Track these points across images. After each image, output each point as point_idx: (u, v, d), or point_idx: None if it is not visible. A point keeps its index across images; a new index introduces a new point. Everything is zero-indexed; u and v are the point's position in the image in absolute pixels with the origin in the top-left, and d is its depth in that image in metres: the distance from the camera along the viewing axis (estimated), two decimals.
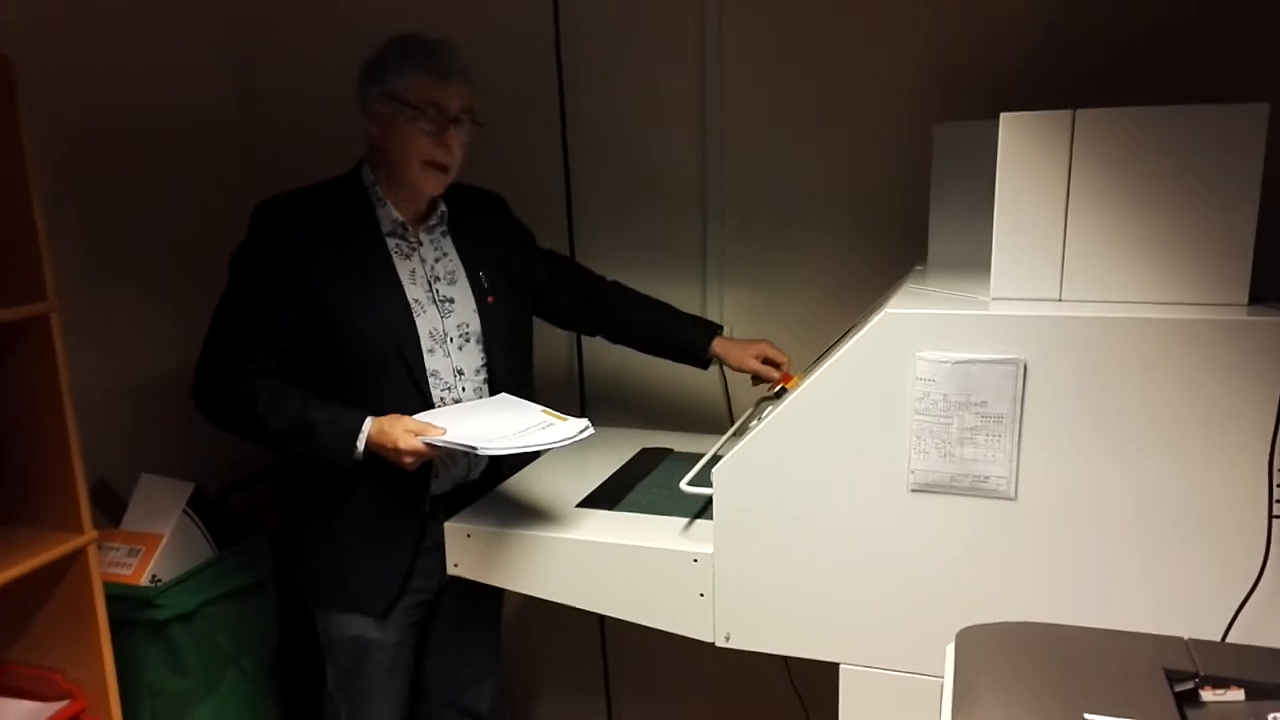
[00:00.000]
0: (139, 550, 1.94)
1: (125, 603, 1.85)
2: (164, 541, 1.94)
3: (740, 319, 2.20)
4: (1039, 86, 1.87)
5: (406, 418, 1.62)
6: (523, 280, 1.92)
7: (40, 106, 1.70)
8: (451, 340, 1.76)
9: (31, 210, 1.57)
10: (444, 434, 1.58)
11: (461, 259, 1.80)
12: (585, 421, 1.61)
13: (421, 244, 1.77)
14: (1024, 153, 1.32)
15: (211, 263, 2.35)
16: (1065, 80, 1.86)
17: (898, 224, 2.02)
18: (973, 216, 1.67)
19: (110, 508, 2.04)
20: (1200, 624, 1.28)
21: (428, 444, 1.57)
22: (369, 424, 1.62)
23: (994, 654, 1.03)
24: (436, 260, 1.78)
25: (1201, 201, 1.26)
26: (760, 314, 2.18)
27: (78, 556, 1.67)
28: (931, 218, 1.75)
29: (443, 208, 1.80)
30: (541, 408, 1.71)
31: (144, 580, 1.90)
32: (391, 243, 1.73)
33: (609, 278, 2.04)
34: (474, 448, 1.52)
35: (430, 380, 1.72)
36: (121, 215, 2.15)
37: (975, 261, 1.63)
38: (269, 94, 2.45)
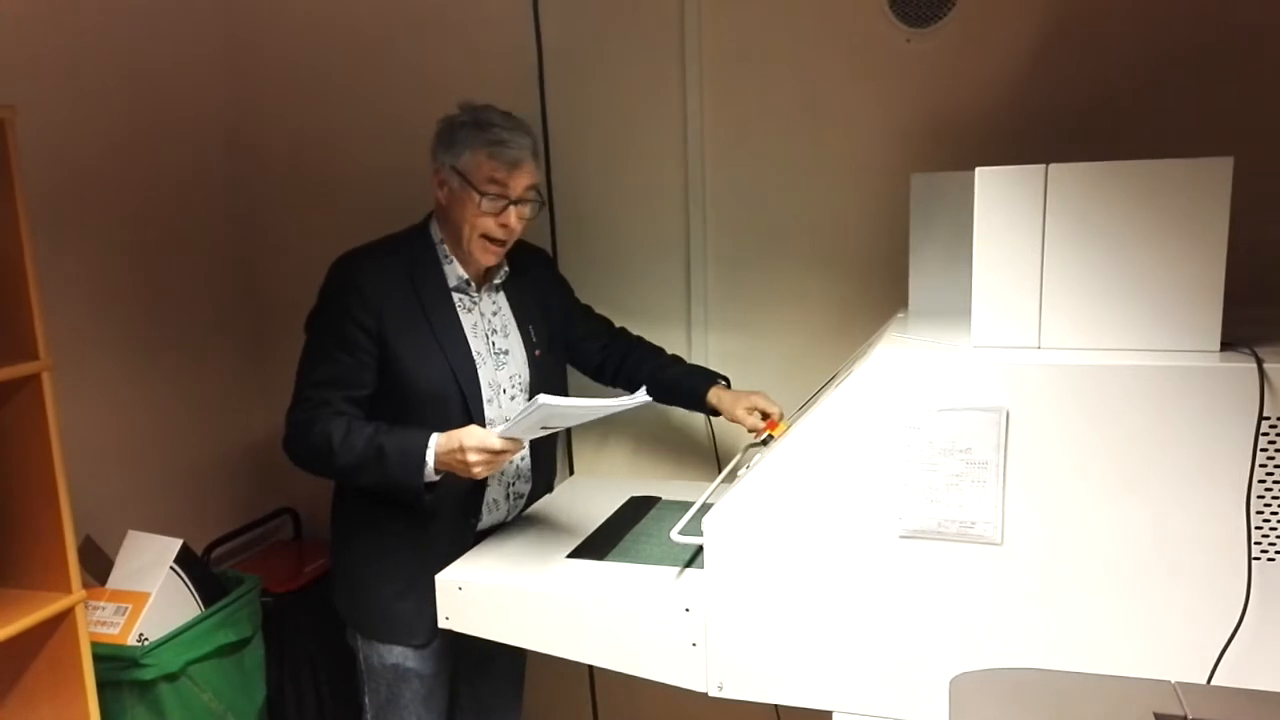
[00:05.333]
0: (126, 609, 1.92)
1: (112, 662, 1.83)
2: (151, 600, 1.92)
3: (725, 365, 2.21)
4: (1014, 137, 1.93)
5: (472, 427, 1.65)
6: (561, 335, 2.00)
7: (34, 163, 1.71)
8: (505, 391, 1.84)
9: (24, 269, 1.58)
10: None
11: (513, 313, 1.89)
12: (642, 390, 1.68)
13: (481, 300, 1.84)
14: (1000, 206, 1.36)
15: (201, 321, 2.37)
16: (1039, 132, 1.91)
17: (879, 270, 2.06)
18: (951, 264, 1.71)
19: (96, 565, 2.02)
20: (1186, 666, 1.30)
21: (502, 438, 1.61)
22: (434, 439, 1.66)
23: (989, 700, 1.04)
24: (494, 313, 1.86)
25: (1172, 251, 1.30)
26: (745, 360, 2.20)
27: (66, 616, 1.66)
28: (911, 265, 1.78)
29: (505, 268, 1.87)
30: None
31: (131, 639, 1.88)
32: (456, 296, 1.81)
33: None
34: (535, 402, 1.52)
35: (488, 428, 1.76)
36: (112, 272, 2.16)
37: (955, 308, 1.67)
38: (266, 152, 2.47)
